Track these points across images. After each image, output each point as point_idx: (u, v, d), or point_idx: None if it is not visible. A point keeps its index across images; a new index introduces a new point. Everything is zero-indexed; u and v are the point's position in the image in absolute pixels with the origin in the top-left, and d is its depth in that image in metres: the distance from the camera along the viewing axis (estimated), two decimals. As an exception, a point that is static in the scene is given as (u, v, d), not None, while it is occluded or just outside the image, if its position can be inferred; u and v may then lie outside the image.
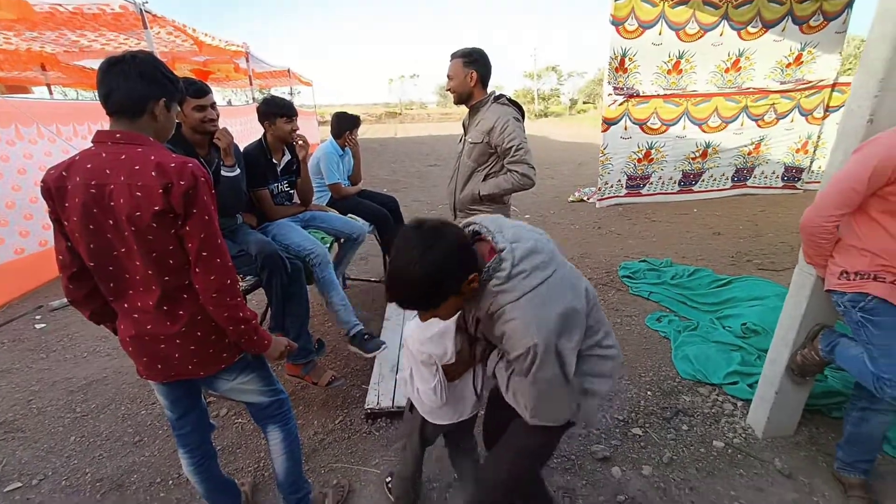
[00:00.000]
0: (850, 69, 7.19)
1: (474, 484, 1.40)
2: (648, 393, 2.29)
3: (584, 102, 43.80)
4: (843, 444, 1.68)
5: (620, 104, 5.51)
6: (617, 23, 5.16)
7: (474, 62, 2.07)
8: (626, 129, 5.54)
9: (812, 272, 1.64)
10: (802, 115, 5.94)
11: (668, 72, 5.52)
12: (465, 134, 2.25)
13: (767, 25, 5.39)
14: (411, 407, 1.43)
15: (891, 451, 1.85)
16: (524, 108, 2.21)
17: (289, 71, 10.26)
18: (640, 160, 5.77)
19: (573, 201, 6.45)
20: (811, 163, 6.21)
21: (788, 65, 5.67)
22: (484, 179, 2.18)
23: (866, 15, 1.64)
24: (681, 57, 5.46)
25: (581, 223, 5.46)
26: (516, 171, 2.07)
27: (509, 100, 2.16)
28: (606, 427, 2.05)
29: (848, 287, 1.46)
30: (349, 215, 3.00)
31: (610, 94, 5.52)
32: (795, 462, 1.83)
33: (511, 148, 2.03)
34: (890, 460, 1.83)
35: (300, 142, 2.45)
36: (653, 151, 5.77)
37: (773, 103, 5.81)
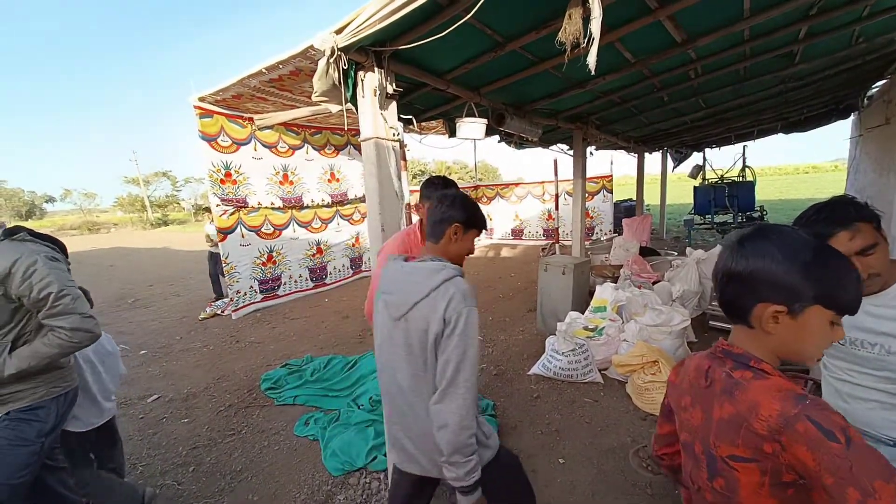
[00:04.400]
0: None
1: None
2: (304, 513, 2.16)
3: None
4: None
5: (232, 213, 5.57)
6: (208, 139, 5.27)
7: None
8: (243, 236, 5.61)
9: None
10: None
11: (280, 182, 6.14)
12: None
13: (339, 148, 7.00)
14: None
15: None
16: (63, 242, 1.74)
17: None
18: (264, 263, 5.96)
19: (205, 318, 5.75)
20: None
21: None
22: (11, 349, 1.51)
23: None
24: (285, 170, 6.19)
25: (215, 342, 4.88)
26: (62, 328, 1.55)
27: (34, 233, 1.65)
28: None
29: None
30: None
31: (218, 205, 5.48)
32: None
33: (47, 297, 1.51)
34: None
35: None
36: (274, 254, 6.09)
37: (356, 206, 7.47)
